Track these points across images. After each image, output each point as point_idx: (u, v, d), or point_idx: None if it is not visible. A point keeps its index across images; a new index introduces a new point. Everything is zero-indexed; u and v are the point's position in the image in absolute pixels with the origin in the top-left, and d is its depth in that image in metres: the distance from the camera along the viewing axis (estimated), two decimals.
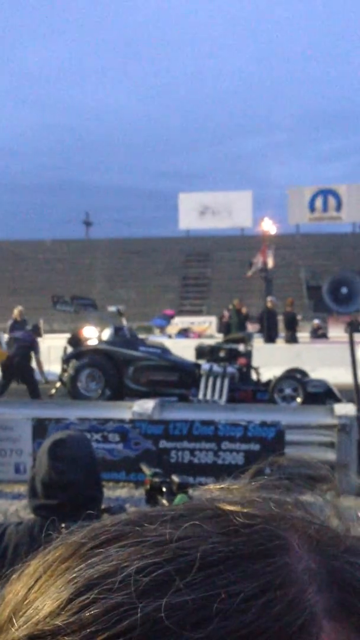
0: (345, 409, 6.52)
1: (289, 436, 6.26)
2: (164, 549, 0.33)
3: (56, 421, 6.30)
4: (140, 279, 37.04)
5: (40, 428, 6.24)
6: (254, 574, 0.32)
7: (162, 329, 21.39)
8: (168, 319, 22.14)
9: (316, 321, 21.34)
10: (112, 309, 11.99)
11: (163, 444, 6.12)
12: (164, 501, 2.01)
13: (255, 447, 6.10)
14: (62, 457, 1.92)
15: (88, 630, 0.30)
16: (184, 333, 21.35)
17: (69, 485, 2.19)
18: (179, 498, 1.93)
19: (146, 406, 6.61)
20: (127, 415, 6.57)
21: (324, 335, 20.26)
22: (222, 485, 0.41)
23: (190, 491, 2.11)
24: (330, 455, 6.36)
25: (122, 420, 6.31)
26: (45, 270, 37.55)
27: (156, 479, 2.08)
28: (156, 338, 17.92)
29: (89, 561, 0.33)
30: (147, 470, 2.19)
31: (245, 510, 0.36)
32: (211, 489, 0.40)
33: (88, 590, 0.31)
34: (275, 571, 0.32)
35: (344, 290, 6.15)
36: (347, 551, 0.35)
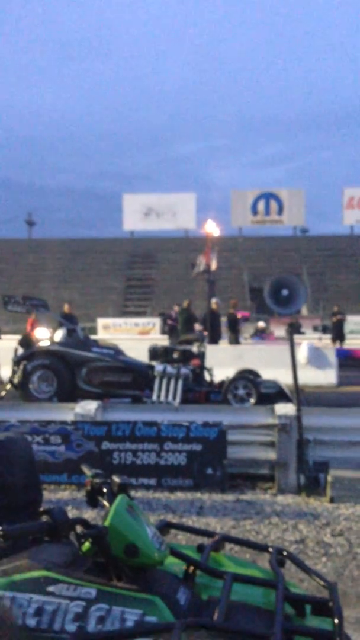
0: (285, 408, 6.63)
1: (231, 436, 6.33)
2: None
3: None
4: (84, 280, 36.74)
5: None
6: None
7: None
8: (243, 321, 22.02)
9: (261, 323, 21.67)
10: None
11: (106, 445, 6.10)
12: (105, 502, 2.01)
13: (198, 447, 6.15)
14: (0, 459, 1.89)
15: None
16: (259, 335, 20.92)
17: (8, 488, 2.16)
18: (119, 499, 1.94)
19: (89, 407, 6.57)
20: (69, 416, 6.51)
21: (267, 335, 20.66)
22: None
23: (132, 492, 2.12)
24: (271, 455, 6.48)
25: (64, 422, 6.25)
26: None
27: (97, 480, 2.08)
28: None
29: None
30: (87, 471, 2.18)
31: None
32: None
33: None
34: None
35: (285, 292, 6.26)
36: None
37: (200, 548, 2.19)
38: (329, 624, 1.87)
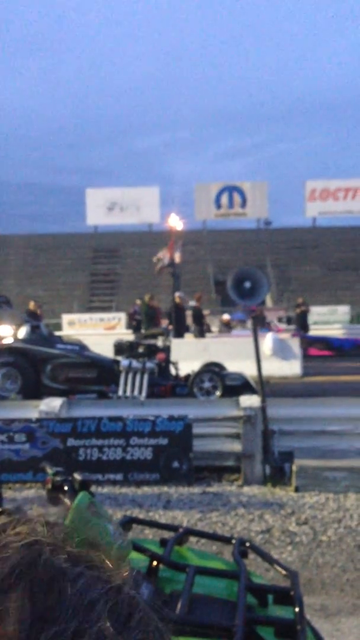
0: (250, 400, 6.68)
1: (197, 429, 6.36)
2: None
3: None
4: (49, 276, 36.41)
5: None
6: None
7: (243, 322, 20.97)
8: (249, 313, 21.83)
9: (226, 316, 21.76)
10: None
11: (71, 442, 6.06)
12: (66, 500, 2.00)
13: (164, 441, 6.16)
14: None
15: None
16: (267, 326, 20.80)
17: None
18: (80, 496, 1.93)
19: (53, 404, 6.52)
20: (34, 414, 6.45)
21: (233, 328, 20.71)
22: None
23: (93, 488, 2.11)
24: (237, 446, 6.52)
25: (28, 420, 6.19)
26: None
27: (57, 478, 2.07)
28: (239, 332, 17.58)
29: None
30: (48, 469, 2.17)
31: None
32: None
33: None
34: None
35: (247, 284, 6.32)
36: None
37: (163, 542, 2.20)
38: (292, 613, 1.90)
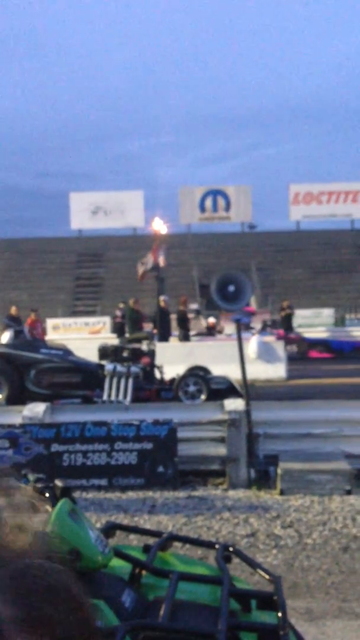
0: (234, 404, 6.68)
1: (181, 433, 6.34)
2: None
3: None
4: (32, 280, 36.23)
5: None
6: None
7: (246, 326, 20.87)
8: (250, 315, 21.70)
9: (211, 319, 21.77)
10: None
11: (55, 447, 6.02)
12: (47, 507, 1.98)
13: (149, 445, 6.13)
14: None
15: None
16: (266, 329, 20.81)
17: None
18: (60, 503, 1.91)
19: (37, 410, 6.47)
20: (17, 419, 6.40)
21: (219, 332, 20.71)
22: None
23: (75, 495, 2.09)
24: (221, 450, 6.51)
25: (12, 425, 6.14)
26: None
27: (39, 485, 2.05)
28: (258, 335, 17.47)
29: None
30: (30, 476, 2.15)
31: None
32: None
33: None
34: None
35: (231, 288, 6.29)
36: (26, 556, 0.36)
37: (146, 548, 2.18)
38: (275, 618, 1.89)
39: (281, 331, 20.75)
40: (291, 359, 18.29)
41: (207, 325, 21.40)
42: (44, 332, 14.53)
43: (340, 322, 30.20)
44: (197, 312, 19.84)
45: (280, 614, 1.82)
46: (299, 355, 18.75)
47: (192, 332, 20.54)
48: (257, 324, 22.86)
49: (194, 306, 21.85)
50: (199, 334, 19.53)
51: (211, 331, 20.75)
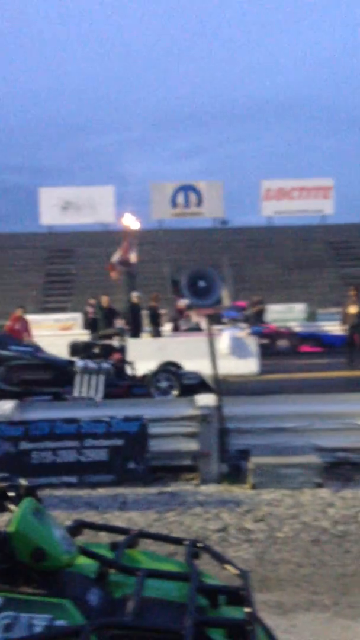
0: (205, 399, 6.68)
1: (153, 429, 6.32)
2: None
3: None
4: (2, 277, 35.84)
5: None
6: None
7: (235, 321, 20.66)
8: (240, 310, 21.50)
9: (181, 302, 21.78)
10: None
11: (23, 445, 5.95)
12: (12, 506, 1.95)
13: (119, 442, 6.10)
14: None
15: None
16: (259, 325, 20.59)
17: None
18: (25, 502, 1.87)
19: (5, 407, 6.39)
20: None
21: (198, 329, 20.70)
22: None
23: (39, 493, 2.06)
24: (193, 446, 6.51)
25: None
26: None
27: (2, 484, 2.01)
28: (230, 330, 17.32)
29: None
30: None
31: None
32: None
33: None
34: None
35: (202, 283, 6.28)
36: None
37: (114, 546, 2.15)
38: (243, 613, 1.87)
39: (272, 326, 20.82)
40: (282, 353, 18.42)
41: (177, 308, 21.32)
42: (27, 329, 14.22)
43: (312, 316, 30.46)
44: (189, 307, 19.61)
45: (248, 609, 1.81)
46: (290, 350, 18.84)
47: (183, 328, 20.55)
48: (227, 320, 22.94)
49: (185, 301, 21.76)
50: (190, 329, 19.43)
51: (199, 326, 20.66)
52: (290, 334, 19.78)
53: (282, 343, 19.26)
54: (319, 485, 5.85)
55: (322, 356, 17.28)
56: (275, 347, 18.97)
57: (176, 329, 21.26)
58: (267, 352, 18.25)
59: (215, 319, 21.30)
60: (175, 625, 1.69)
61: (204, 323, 20.52)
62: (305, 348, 19.05)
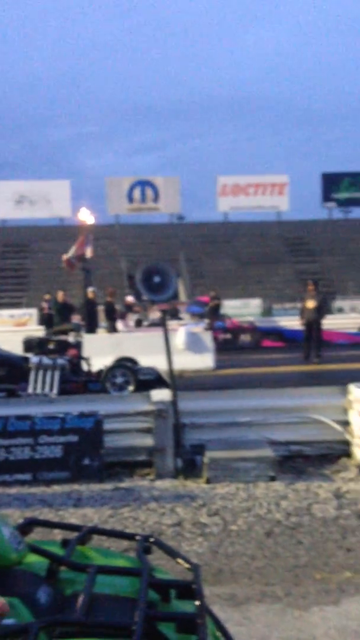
0: (160, 394, 6.69)
1: (108, 425, 6.30)
2: None
3: None
4: None
5: None
6: None
7: (198, 316, 20.38)
8: (203, 306, 21.22)
9: (129, 298, 21.79)
10: None
11: None
12: None
13: (74, 438, 6.06)
14: None
15: None
16: (221, 320, 20.46)
17: None
18: None
19: None
20: None
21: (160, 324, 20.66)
22: None
23: None
24: (148, 441, 6.52)
25: None
26: None
27: None
28: (193, 325, 17.19)
29: None
30: None
31: None
32: None
33: None
34: None
35: (157, 279, 6.25)
36: None
37: (65, 543, 2.14)
38: (194, 606, 1.89)
39: (235, 321, 20.95)
40: (245, 348, 18.62)
41: (125, 304, 21.30)
42: None
43: (267, 312, 30.79)
44: (152, 303, 19.50)
45: (198, 602, 1.82)
46: (253, 345, 19.05)
47: (145, 323, 20.51)
48: (186, 315, 23.01)
49: (131, 298, 21.78)
50: (152, 325, 19.42)
51: (164, 321, 20.68)
52: (252, 329, 20.02)
53: (245, 338, 19.51)
54: (273, 479, 5.93)
55: (283, 351, 17.49)
56: (238, 342, 19.22)
57: (138, 324, 21.30)
58: (230, 347, 18.55)
59: (172, 315, 21.39)
60: (125, 621, 1.69)
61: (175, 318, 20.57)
62: (267, 343, 19.30)
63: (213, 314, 21.75)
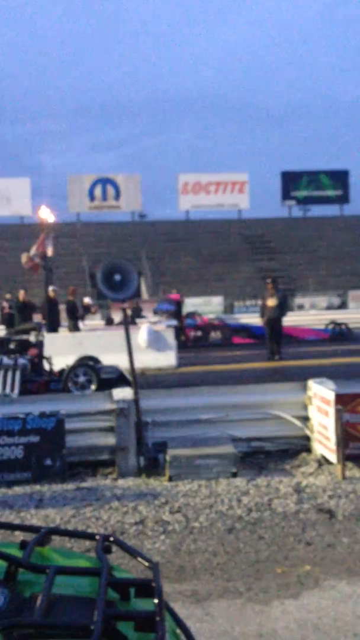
0: (122, 393, 6.68)
1: (69, 424, 6.26)
2: None
3: None
4: None
5: None
6: None
7: (169, 313, 20.14)
8: (174, 303, 20.96)
9: (87, 299, 21.71)
10: None
11: None
12: None
13: (35, 438, 6.01)
14: None
15: None
16: (191, 317, 20.52)
17: None
18: None
19: None
20: None
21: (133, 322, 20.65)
22: None
23: None
24: (111, 440, 6.50)
25: None
26: None
27: None
28: (165, 323, 17.00)
29: None
30: None
31: None
32: None
33: None
34: None
35: (117, 277, 6.23)
36: None
37: (23, 544, 2.12)
38: (153, 604, 1.90)
39: (205, 318, 21.07)
40: (215, 345, 18.84)
41: (83, 304, 21.26)
42: None
43: (229, 309, 30.98)
44: (123, 301, 19.34)
45: (156, 600, 1.83)
46: (223, 342, 19.29)
47: (117, 322, 20.45)
48: (148, 313, 22.99)
49: (88, 298, 21.74)
50: (121, 323, 19.39)
51: (134, 320, 20.60)
52: (222, 326, 20.26)
53: (215, 335, 19.75)
54: (234, 475, 5.98)
55: (252, 347, 17.66)
56: (208, 339, 19.48)
57: (109, 322, 21.26)
58: (201, 344, 18.88)
59: (135, 313, 21.35)
60: (84, 621, 1.69)
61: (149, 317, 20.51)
62: (238, 340, 19.52)
63: (176, 312, 21.81)
